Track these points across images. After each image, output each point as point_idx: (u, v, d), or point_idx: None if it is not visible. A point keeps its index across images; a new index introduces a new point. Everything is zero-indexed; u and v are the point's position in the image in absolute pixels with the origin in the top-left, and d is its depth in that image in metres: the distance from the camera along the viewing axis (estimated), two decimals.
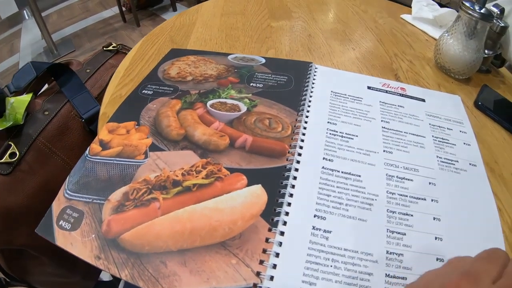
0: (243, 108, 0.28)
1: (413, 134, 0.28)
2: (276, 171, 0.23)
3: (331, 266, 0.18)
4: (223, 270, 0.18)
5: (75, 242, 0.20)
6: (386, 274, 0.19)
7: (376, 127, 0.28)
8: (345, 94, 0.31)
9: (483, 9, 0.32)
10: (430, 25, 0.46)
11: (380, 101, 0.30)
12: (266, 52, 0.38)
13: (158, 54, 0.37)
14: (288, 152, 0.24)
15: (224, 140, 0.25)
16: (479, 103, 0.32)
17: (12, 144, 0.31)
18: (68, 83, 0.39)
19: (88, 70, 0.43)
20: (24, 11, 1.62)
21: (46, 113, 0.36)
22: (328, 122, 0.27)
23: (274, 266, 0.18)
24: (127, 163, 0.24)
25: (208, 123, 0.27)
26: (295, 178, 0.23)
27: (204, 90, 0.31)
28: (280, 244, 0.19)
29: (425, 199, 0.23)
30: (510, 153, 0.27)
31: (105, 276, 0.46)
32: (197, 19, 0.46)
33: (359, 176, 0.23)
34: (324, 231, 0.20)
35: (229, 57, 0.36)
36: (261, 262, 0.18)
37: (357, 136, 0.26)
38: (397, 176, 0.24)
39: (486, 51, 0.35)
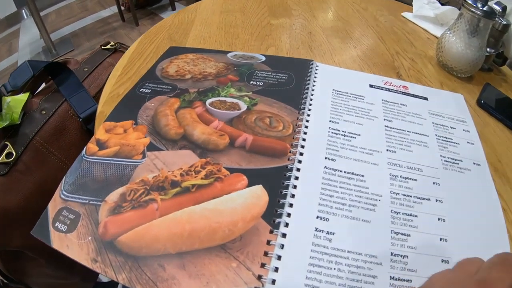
0: (243, 107, 0.28)
1: (416, 133, 0.27)
2: (277, 171, 0.22)
3: (334, 269, 0.18)
4: (223, 274, 0.17)
5: (71, 245, 0.19)
6: (390, 276, 0.18)
7: (379, 126, 0.27)
8: (347, 92, 0.30)
9: (486, 7, 0.31)
10: (431, 23, 0.45)
11: (382, 100, 0.30)
12: (266, 50, 0.37)
13: (157, 52, 0.37)
14: (290, 152, 0.23)
15: (224, 139, 0.24)
16: (482, 101, 0.32)
17: (9, 144, 0.30)
18: (66, 82, 0.38)
19: (85, 69, 0.42)
20: (23, 11, 1.61)
21: (43, 112, 0.35)
22: (330, 121, 0.27)
23: (276, 269, 0.17)
24: (124, 163, 0.23)
25: (207, 122, 0.26)
26: (296, 178, 0.22)
27: (203, 88, 0.30)
28: (282, 246, 0.18)
29: (429, 199, 0.22)
30: None
31: (104, 277, 0.45)
32: (196, 17, 0.45)
33: (362, 176, 0.23)
34: (327, 232, 0.19)
35: (229, 55, 0.35)
36: (263, 265, 0.18)
37: (359, 135, 0.26)
38: (400, 176, 0.23)
39: (488, 49, 0.35)
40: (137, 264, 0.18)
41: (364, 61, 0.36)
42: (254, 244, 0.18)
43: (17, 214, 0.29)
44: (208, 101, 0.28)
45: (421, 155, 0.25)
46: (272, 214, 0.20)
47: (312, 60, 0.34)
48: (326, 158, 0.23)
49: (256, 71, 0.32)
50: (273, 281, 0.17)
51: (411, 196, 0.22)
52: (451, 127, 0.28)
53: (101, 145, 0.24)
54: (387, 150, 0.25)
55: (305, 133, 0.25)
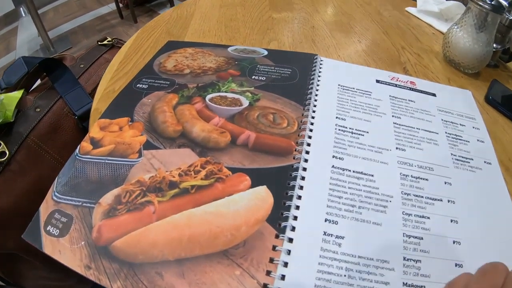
0: (245, 103, 0.26)
1: (425, 131, 0.25)
2: (282, 170, 0.20)
3: (344, 275, 0.16)
4: (226, 282, 0.16)
5: (64, 250, 0.18)
6: (403, 283, 0.16)
7: (387, 122, 0.25)
8: (353, 88, 0.28)
9: (494, 1, 0.29)
10: (435, 18, 0.43)
11: (390, 96, 0.28)
12: (268, 44, 0.35)
13: (154, 47, 0.34)
14: (295, 150, 0.22)
15: (225, 137, 0.22)
16: (490, 97, 0.30)
17: (2, 143, 0.28)
18: (61, 78, 0.36)
19: (82, 65, 0.40)
20: (21, 9, 1.56)
21: (38, 110, 0.33)
22: (336, 118, 0.25)
23: (283, 277, 0.16)
24: (120, 162, 0.21)
25: (207, 118, 0.24)
26: (303, 178, 0.20)
27: (203, 83, 0.28)
28: (289, 252, 0.17)
29: (441, 200, 0.21)
30: None
31: None
32: (195, 10, 0.42)
33: (372, 175, 0.21)
34: (336, 237, 0.18)
35: (229, 49, 0.33)
36: (268, 273, 0.16)
37: (367, 132, 0.24)
38: (411, 176, 0.22)
39: (494, 45, 0.33)
40: (133, 272, 0.16)
41: (369, 56, 0.34)
42: (259, 250, 0.17)
43: (11, 216, 0.27)
44: (208, 97, 0.26)
45: (431, 153, 0.23)
46: (278, 218, 0.18)
47: (316, 55, 0.32)
48: (333, 156, 0.22)
49: (258, 66, 0.30)
50: None
51: (422, 197, 0.21)
52: (460, 124, 0.26)
53: (96, 143, 0.23)
54: (396, 148, 0.23)
55: (310, 130, 0.23)
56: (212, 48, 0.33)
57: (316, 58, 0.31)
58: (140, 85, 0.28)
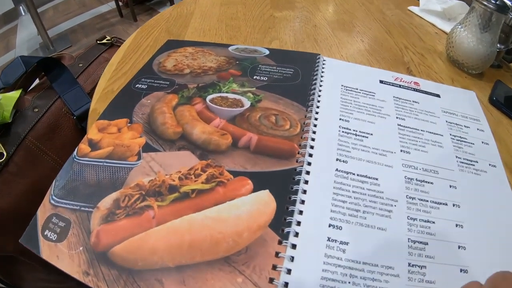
0: (247, 103, 0.25)
1: (430, 132, 0.24)
2: (285, 174, 0.20)
3: (349, 282, 0.16)
4: None
5: (62, 255, 0.17)
6: None
7: (391, 124, 0.24)
8: (357, 89, 0.27)
9: (499, 0, 0.29)
10: (438, 17, 0.42)
11: (393, 96, 0.27)
12: (269, 43, 0.34)
13: (154, 46, 0.33)
14: (298, 153, 0.21)
15: (226, 139, 0.22)
16: (494, 98, 0.29)
17: (0, 144, 0.28)
18: (59, 78, 0.35)
19: (80, 65, 0.39)
20: (20, 7, 1.54)
21: (36, 110, 0.32)
22: (340, 119, 0.24)
23: (286, 285, 0.15)
24: (118, 165, 0.20)
25: (207, 120, 0.23)
26: (306, 182, 0.19)
27: (203, 83, 0.27)
28: (292, 259, 0.16)
29: (446, 204, 0.20)
30: None
31: None
32: (195, 9, 0.41)
33: (376, 179, 0.20)
34: (341, 242, 0.17)
35: (230, 48, 0.32)
36: (271, 280, 0.15)
37: (371, 134, 0.23)
38: (416, 179, 0.21)
39: (498, 45, 0.32)
40: (133, 278, 0.16)
41: (372, 56, 0.33)
42: (261, 256, 0.16)
43: (9, 218, 0.26)
44: (209, 98, 0.25)
45: (436, 156, 0.23)
46: (281, 223, 0.17)
47: (319, 54, 0.31)
48: (337, 159, 0.21)
49: (259, 65, 0.29)
50: None
51: (427, 201, 0.20)
52: (465, 126, 0.26)
53: (94, 145, 0.22)
54: (401, 150, 0.23)
55: (314, 132, 0.23)
56: (213, 47, 0.32)
57: (319, 58, 0.30)
58: (139, 85, 0.27)
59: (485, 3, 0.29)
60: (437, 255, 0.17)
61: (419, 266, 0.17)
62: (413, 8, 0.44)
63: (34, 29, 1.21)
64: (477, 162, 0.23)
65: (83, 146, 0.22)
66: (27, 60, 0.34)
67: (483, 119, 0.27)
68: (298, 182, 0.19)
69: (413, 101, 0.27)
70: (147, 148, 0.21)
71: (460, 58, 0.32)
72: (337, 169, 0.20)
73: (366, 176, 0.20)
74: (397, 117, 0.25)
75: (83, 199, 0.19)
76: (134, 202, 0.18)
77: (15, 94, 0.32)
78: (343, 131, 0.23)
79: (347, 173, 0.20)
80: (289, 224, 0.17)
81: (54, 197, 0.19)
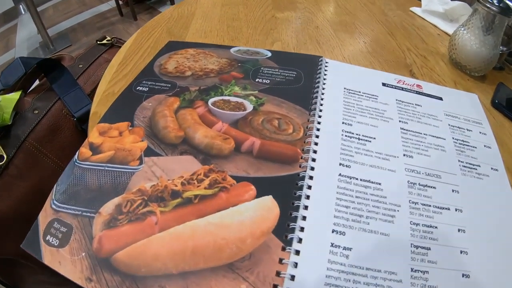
0: (249, 107, 0.24)
1: (433, 136, 0.24)
2: (288, 179, 0.19)
3: None
4: None
5: (64, 261, 0.17)
6: None
7: (394, 128, 0.24)
8: (359, 92, 0.27)
9: (502, 3, 0.28)
10: (440, 18, 0.41)
11: (396, 100, 0.27)
12: (271, 45, 0.34)
13: (155, 48, 0.33)
14: (301, 158, 0.21)
15: (229, 144, 0.21)
16: (496, 101, 0.29)
17: None
18: (59, 79, 0.35)
19: (80, 65, 0.39)
20: (20, 6, 1.52)
21: (36, 112, 0.32)
22: (343, 123, 0.24)
23: None
24: (120, 170, 0.20)
25: (210, 123, 0.23)
26: (309, 187, 0.19)
27: (205, 86, 0.27)
28: (296, 265, 0.16)
29: (449, 209, 0.20)
30: None
31: None
32: (196, 9, 0.41)
33: (379, 184, 0.20)
34: (344, 248, 0.17)
35: (232, 50, 0.32)
36: (275, 286, 0.15)
37: (374, 138, 0.23)
38: (419, 184, 0.21)
39: (500, 48, 0.32)
40: (136, 285, 0.15)
41: (375, 58, 0.33)
42: (265, 263, 0.16)
43: (9, 221, 0.26)
44: (211, 101, 0.25)
45: (438, 160, 0.22)
46: (284, 229, 0.17)
47: (322, 57, 0.30)
48: (340, 164, 0.21)
49: (261, 68, 0.29)
50: None
51: (430, 206, 0.20)
52: (467, 130, 0.26)
53: (95, 149, 0.21)
54: (404, 155, 0.22)
55: (317, 136, 0.22)
56: (214, 49, 0.32)
57: (321, 60, 0.30)
58: (140, 88, 0.27)
59: (488, 5, 0.28)
60: (440, 260, 0.17)
61: (421, 271, 0.17)
62: (415, 9, 0.43)
63: (34, 28, 1.19)
64: (480, 166, 0.23)
65: (84, 150, 0.21)
66: (27, 61, 0.33)
67: (485, 122, 0.27)
68: (301, 188, 0.19)
69: (415, 104, 0.27)
70: (148, 152, 0.21)
71: (463, 60, 0.32)
72: (340, 174, 0.20)
73: (369, 181, 0.20)
74: (400, 121, 0.25)
75: (85, 204, 0.19)
76: (136, 208, 0.18)
77: (15, 95, 0.31)
78: (346, 135, 0.23)
79: (350, 178, 0.20)
80: (292, 230, 0.17)
81: (55, 202, 0.19)
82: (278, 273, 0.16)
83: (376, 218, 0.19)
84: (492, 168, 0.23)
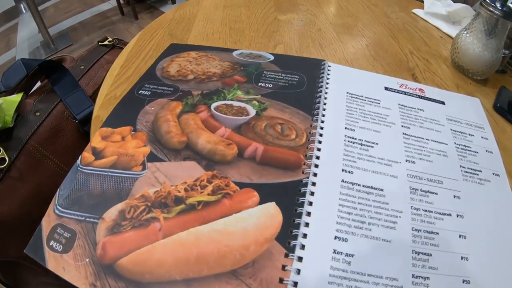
0: (252, 112, 0.24)
1: (435, 141, 0.24)
2: (291, 186, 0.19)
3: None
4: None
5: (68, 267, 0.17)
6: None
7: (396, 133, 0.24)
8: (362, 96, 0.27)
9: (505, 7, 0.28)
10: (442, 20, 0.41)
11: (399, 104, 0.27)
12: (274, 48, 0.33)
13: (157, 50, 0.33)
14: (304, 164, 0.21)
15: (232, 149, 0.21)
16: (498, 105, 0.29)
17: (1, 149, 0.27)
18: (61, 81, 0.34)
19: (82, 67, 0.38)
20: (21, 5, 1.50)
21: (38, 114, 0.32)
22: (345, 128, 0.24)
23: None
24: (123, 175, 0.20)
25: (213, 128, 0.23)
26: (312, 193, 0.19)
27: (208, 90, 0.27)
28: (298, 271, 0.16)
29: (450, 215, 0.20)
30: None
31: None
32: (198, 11, 0.40)
33: (382, 190, 0.20)
34: (346, 254, 0.17)
35: (234, 53, 0.31)
36: None
37: (377, 144, 0.23)
38: (421, 190, 0.21)
39: (503, 51, 0.31)
40: None
41: (377, 61, 0.33)
42: (268, 269, 0.16)
43: (12, 224, 0.26)
44: (213, 105, 0.25)
45: (440, 165, 0.22)
46: (287, 236, 0.17)
47: (324, 60, 0.30)
48: (343, 170, 0.21)
49: (264, 72, 0.29)
50: None
51: (432, 212, 0.20)
52: (469, 134, 0.25)
53: (97, 154, 0.21)
54: (406, 160, 0.22)
55: (319, 142, 0.22)
56: (217, 52, 0.32)
57: (324, 64, 0.30)
58: (143, 92, 0.27)
59: (491, 9, 0.28)
60: (440, 266, 0.17)
61: (422, 278, 0.17)
62: (417, 11, 0.43)
63: (35, 27, 1.18)
64: (481, 171, 0.23)
65: (87, 155, 0.21)
66: (28, 62, 0.33)
67: (487, 126, 0.27)
68: (304, 194, 0.19)
69: (418, 109, 0.27)
70: (151, 157, 0.21)
71: (465, 64, 0.32)
72: (342, 180, 0.20)
73: (371, 187, 0.20)
74: (402, 126, 0.25)
75: (88, 210, 0.19)
76: (140, 214, 0.18)
77: (16, 97, 0.31)
78: (348, 141, 0.23)
79: (353, 184, 0.20)
80: (295, 237, 0.17)
81: (58, 207, 0.19)
82: (281, 280, 0.16)
83: (378, 224, 0.18)
84: (493, 173, 0.23)
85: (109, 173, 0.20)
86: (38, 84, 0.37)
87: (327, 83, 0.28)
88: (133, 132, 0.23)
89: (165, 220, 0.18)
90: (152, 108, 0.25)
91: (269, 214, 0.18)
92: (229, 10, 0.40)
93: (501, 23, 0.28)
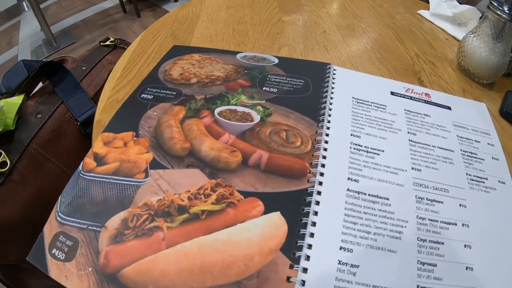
0: (256, 118, 0.23)
1: (441, 148, 0.23)
2: (296, 195, 0.19)
3: None
4: None
5: (71, 276, 0.16)
6: None
7: (402, 140, 0.23)
8: (368, 101, 0.26)
9: None
10: (448, 22, 0.40)
11: (405, 110, 0.26)
12: (278, 51, 0.32)
13: (159, 52, 0.32)
14: (309, 172, 0.20)
15: (236, 157, 0.20)
16: (504, 110, 0.28)
17: (3, 152, 0.26)
18: (62, 82, 0.34)
19: (84, 68, 0.37)
20: (23, 3, 1.48)
21: (39, 116, 0.31)
22: (351, 135, 0.23)
23: None
24: (125, 182, 0.19)
25: (216, 135, 0.22)
26: (317, 203, 0.19)
27: (211, 94, 0.26)
28: (303, 283, 0.16)
29: (456, 224, 0.19)
30: None
31: None
32: (201, 11, 0.39)
33: (387, 199, 0.19)
34: (351, 265, 0.16)
35: (238, 56, 0.30)
36: None
37: (383, 151, 0.22)
38: (427, 198, 0.20)
39: (510, 55, 0.30)
40: None
41: (383, 65, 0.31)
42: (273, 281, 0.15)
43: (14, 227, 0.26)
44: (217, 110, 0.24)
45: (447, 173, 0.22)
46: (292, 246, 0.17)
47: (330, 64, 0.29)
48: (348, 178, 0.20)
49: (268, 75, 0.28)
50: None
51: (437, 221, 0.19)
52: (475, 141, 0.25)
53: (99, 160, 0.21)
54: (412, 168, 0.21)
55: (325, 149, 0.21)
56: (220, 54, 0.31)
57: (329, 68, 0.29)
58: (145, 95, 0.26)
59: (498, 12, 0.27)
60: (445, 277, 0.17)
61: None
62: (423, 12, 0.41)
63: (37, 25, 1.16)
64: (487, 179, 0.22)
65: (89, 161, 0.21)
66: (30, 64, 0.32)
67: (493, 132, 0.26)
68: (309, 204, 0.18)
69: (424, 114, 0.26)
70: (154, 164, 0.20)
71: (472, 68, 0.31)
72: (348, 189, 0.20)
73: (377, 196, 0.19)
74: (408, 132, 0.24)
75: (91, 218, 0.18)
76: (143, 223, 0.17)
77: (18, 99, 0.30)
78: (354, 148, 0.22)
79: (359, 193, 0.19)
80: (300, 248, 0.17)
81: (60, 214, 0.19)
82: None
83: (383, 234, 0.18)
84: (499, 181, 0.22)
85: (111, 180, 0.20)
86: (40, 85, 0.37)
87: (332, 88, 0.27)
88: (135, 138, 0.22)
89: (169, 229, 0.17)
90: (155, 113, 0.24)
91: (274, 224, 0.17)
92: (233, 11, 0.39)
93: (508, 27, 0.27)
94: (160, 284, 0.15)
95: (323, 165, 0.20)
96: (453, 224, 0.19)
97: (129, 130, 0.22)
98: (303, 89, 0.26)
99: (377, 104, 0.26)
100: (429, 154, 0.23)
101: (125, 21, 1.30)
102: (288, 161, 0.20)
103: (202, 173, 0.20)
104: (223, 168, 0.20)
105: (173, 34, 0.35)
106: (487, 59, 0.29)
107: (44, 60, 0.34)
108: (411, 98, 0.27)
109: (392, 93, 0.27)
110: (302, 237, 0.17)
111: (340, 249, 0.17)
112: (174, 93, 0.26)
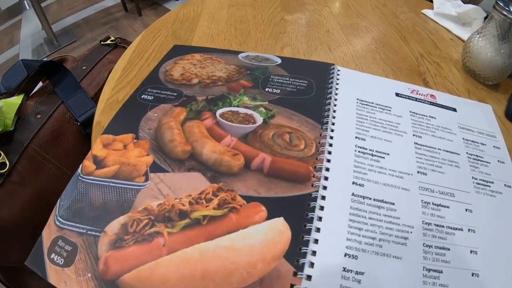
0: (259, 120, 0.23)
1: (447, 151, 0.23)
2: (300, 200, 0.18)
3: None
4: None
5: (70, 281, 0.16)
6: None
7: (408, 143, 0.23)
8: (373, 103, 0.25)
9: None
10: (452, 22, 0.38)
11: (410, 111, 0.25)
12: (281, 51, 0.31)
13: (160, 51, 0.31)
14: (313, 176, 0.19)
15: (238, 160, 0.20)
16: (510, 112, 0.27)
17: (2, 153, 0.26)
18: (62, 82, 0.33)
19: (84, 67, 0.36)
20: (24, 1, 1.46)
21: (39, 116, 0.30)
22: (356, 138, 0.22)
23: None
24: (125, 186, 0.19)
25: (218, 137, 0.21)
26: (321, 208, 0.18)
27: (213, 95, 0.25)
28: None
29: (462, 229, 0.19)
30: None
31: None
32: (203, 10, 0.38)
33: (393, 204, 0.19)
34: (356, 273, 0.16)
35: (240, 55, 0.29)
36: None
37: (388, 154, 0.21)
38: (433, 203, 0.19)
39: None
40: None
41: (388, 65, 0.31)
42: None
43: (13, 229, 0.25)
44: (219, 112, 0.23)
45: (452, 177, 0.21)
46: (296, 253, 0.16)
47: (333, 64, 0.28)
48: (353, 183, 0.19)
49: (271, 76, 0.27)
50: None
51: (443, 226, 0.18)
52: (481, 144, 0.24)
53: (99, 163, 0.20)
54: (417, 172, 0.21)
55: (329, 152, 0.21)
56: (222, 54, 0.30)
57: (333, 68, 0.28)
58: (145, 96, 0.25)
59: (504, 13, 0.26)
60: (451, 284, 0.16)
61: None
62: (427, 12, 0.40)
63: (38, 24, 1.15)
64: (493, 182, 0.21)
65: (88, 163, 0.20)
66: (29, 63, 0.31)
67: (499, 135, 0.25)
68: (313, 209, 0.18)
69: (429, 116, 0.25)
70: (154, 168, 0.20)
71: (477, 69, 0.30)
72: (353, 194, 0.19)
73: (382, 201, 0.19)
74: (413, 135, 0.23)
75: (90, 222, 0.17)
76: (143, 228, 0.17)
77: (17, 100, 0.30)
78: (359, 151, 0.21)
79: (364, 197, 0.19)
80: (304, 255, 0.16)
81: (59, 218, 0.18)
82: None
83: (389, 240, 0.17)
84: (505, 185, 0.21)
85: (111, 184, 0.19)
86: (40, 85, 0.36)
87: (336, 89, 0.26)
88: (135, 140, 0.21)
89: (169, 235, 0.16)
90: (155, 114, 0.23)
91: (277, 230, 0.17)
92: (234, 10, 0.38)
93: None
94: None
95: (327, 169, 0.20)
96: (459, 229, 0.19)
97: (129, 132, 0.22)
98: (307, 90, 0.26)
99: (382, 105, 0.25)
100: (435, 158, 0.22)
101: (127, 20, 1.28)
102: (291, 164, 0.20)
103: (203, 177, 0.19)
104: (225, 172, 0.19)
105: (174, 34, 0.34)
106: (492, 60, 0.28)
107: (45, 59, 0.33)
108: (416, 99, 0.26)
109: (397, 95, 0.27)
110: (306, 243, 0.16)
111: (345, 255, 0.16)
112: (175, 94, 0.25)
